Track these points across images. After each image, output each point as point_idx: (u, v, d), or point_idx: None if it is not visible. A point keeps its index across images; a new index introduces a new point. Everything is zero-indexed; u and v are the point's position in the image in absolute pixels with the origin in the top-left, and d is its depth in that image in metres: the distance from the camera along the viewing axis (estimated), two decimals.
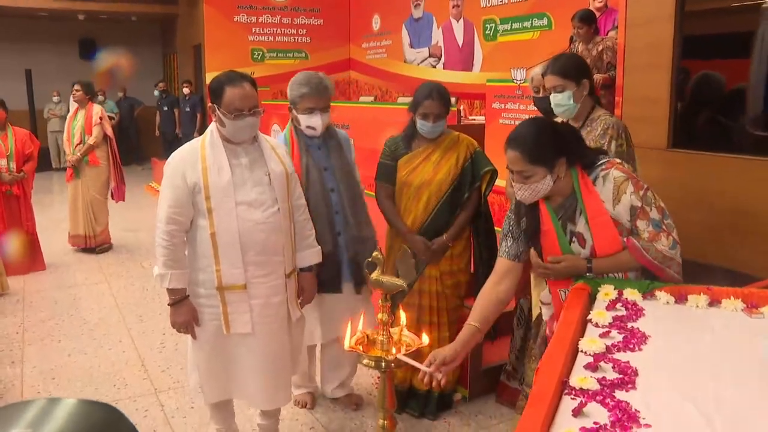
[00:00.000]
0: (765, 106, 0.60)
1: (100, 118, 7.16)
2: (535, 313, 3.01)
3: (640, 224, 2.27)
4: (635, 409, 1.39)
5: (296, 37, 13.22)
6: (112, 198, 7.48)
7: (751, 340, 1.75)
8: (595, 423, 1.35)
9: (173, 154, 2.85)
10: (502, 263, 2.51)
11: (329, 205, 3.36)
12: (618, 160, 2.38)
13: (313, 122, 3.34)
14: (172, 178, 2.78)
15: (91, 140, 7.08)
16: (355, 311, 3.47)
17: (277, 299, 2.91)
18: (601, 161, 2.36)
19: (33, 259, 6.64)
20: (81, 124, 7.15)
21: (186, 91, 13.07)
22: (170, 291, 2.81)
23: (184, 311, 2.82)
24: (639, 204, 2.27)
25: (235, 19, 12.64)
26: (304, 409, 3.70)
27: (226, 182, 2.75)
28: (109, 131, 7.30)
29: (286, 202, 2.91)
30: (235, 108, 2.71)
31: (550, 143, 2.28)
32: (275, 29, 13.02)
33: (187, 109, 13.25)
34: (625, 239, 2.29)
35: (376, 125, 5.85)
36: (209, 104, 2.82)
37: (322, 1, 13.15)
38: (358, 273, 3.43)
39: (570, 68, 3.00)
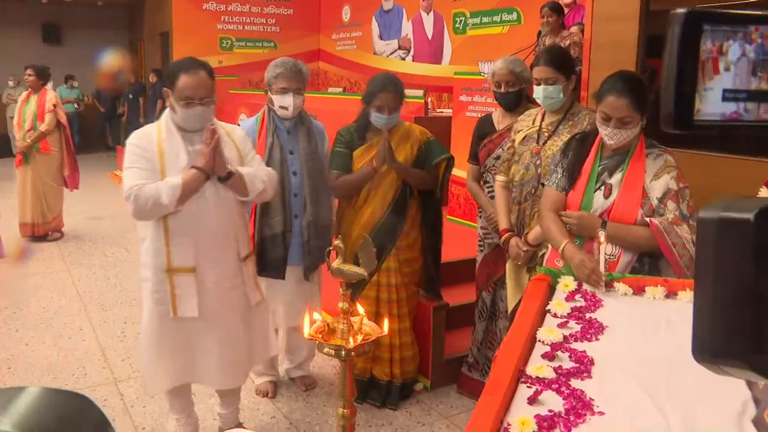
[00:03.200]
0: (675, 106, 0.62)
1: (54, 105, 6.99)
2: (510, 306, 3.03)
3: (670, 205, 2.35)
4: (590, 398, 1.41)
5: (265, 27, 13.11)
6: (66, 186, 7.32)
7: None
8: (549, 411, 1.36)
9: (130, 138, 2.79)
10: (552, 192, 2.65)
11: (287, 187, 3.41)
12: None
13: (285, 102, 3.39)
14: (133, 161, 2.73)
15: (42, 127, 6.89)
16: (302, 297, 3.52)
17: (230, 283, 2.88)
18: (657, 144, 2.47)
19: None
20: (33, 109, 6.95)
21: (152, 79, 12.88)
22: (186, 182, 2.68)
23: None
24: (675, 188, 2.36)
25: (204, 7, 12.49)
26: (265, 398, 3.69)
27: (182, 167, 2.71)
28: (63, 118, 7.13)
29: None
30: (186, 96, 2.69)
31: (645, 94, 2.42)
32: (244, 18, 12.89)
33: (150, 98, 13.03)
34: (648, 219, 2.34)
35: (344, 116, 5.83)
36: (165, 90, 2.78)
37: None
38: (309, 258, 3.47)
39: (562, 62, 3.04)
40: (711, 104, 0.66)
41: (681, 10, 0.64)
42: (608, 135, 2.42)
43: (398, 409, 3.58)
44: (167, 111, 2.81)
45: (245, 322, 2.98)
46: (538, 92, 3.03)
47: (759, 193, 1.85)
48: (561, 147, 2.76)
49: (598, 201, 2.46)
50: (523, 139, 3.16)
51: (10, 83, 14.21)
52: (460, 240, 4.65)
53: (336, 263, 2.17)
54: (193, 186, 2.69)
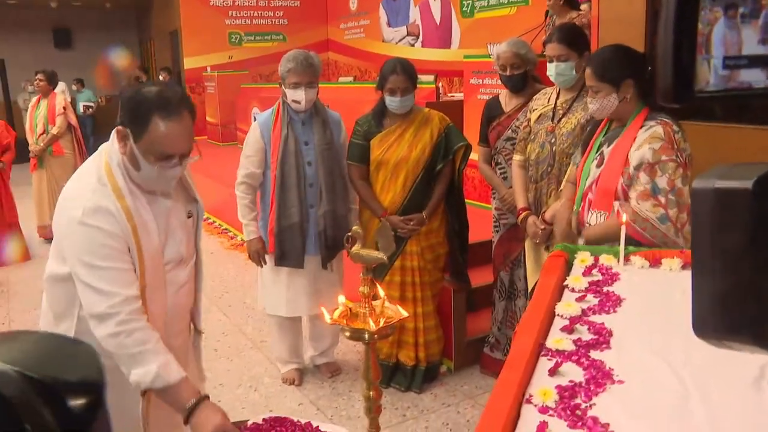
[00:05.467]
0: (674, 78, 0.60)
1: (64, 108, 7.09)
2: (531, 284, 3.08)
3: (642, 177, 2.37)
4: (609, 367, 1.44)
5: (273, 20, 13.14)
6: None
7: None
8: (570, 381, 1.39)
9: (84, 216, 1.81)
10: (572, 169, 2.83)
11: (302, 177, 3.46)
12: (676, 128, 2.42)
13: (298, 96, 3.43)
14: (105, 256, 1.82)
15: (54, 130, 7.01)
16: (323, 286, 3.58)
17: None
18: (662, 116, 2.45)
19: (16, 249, 6.61)
20: (44, 113, 7.08)
21: (163, 78, 12.94)
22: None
23: None
24: (651, 160, 2.35)
25: (212, 3, 12.54)
26: (292, 385, 3.75)
27: (156, 248, 1.95)
28: (73, 120, 7.23)
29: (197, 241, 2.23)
30: (162, 152, 1.85)
31: (618, 64, 2.47)
32: (252, 12, 12.94)
33: None
34: (616, 210, 2.37)
35: (356, 105, 5.85)
36: (119, 127, 1.88)
37: None
38: (326, 248, 3.52)
39: (574, 39, 3.07)
40: (712, 74, 0.63)
41: None
42: (588, 103, 2.59)
43: (423, 392, 3.63)
44: (111, 153, 1.91)
45: None
46: (551, 69, 3.05)
47: None
48: (582, 125, 2.90)
49: (593, 170, 2.55)
50: (539, 117, 3.19)
51: (30, 88, 14.34)
52: (475, 222, 4.67)
53: (355, 248, 2.21)
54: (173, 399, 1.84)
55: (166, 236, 1.98)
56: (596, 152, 2.57)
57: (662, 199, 2.32)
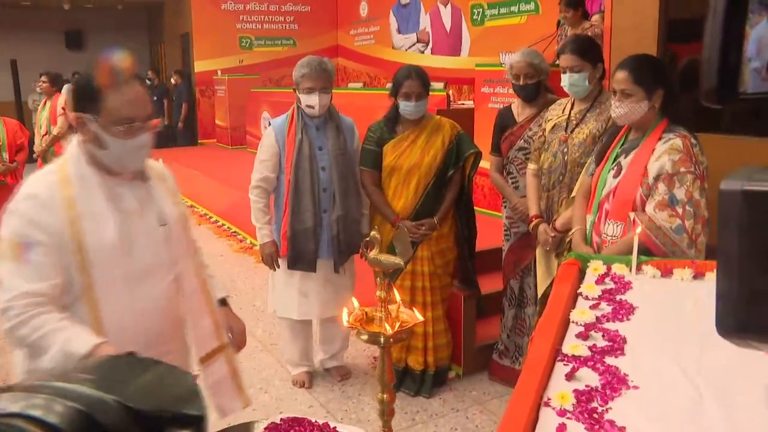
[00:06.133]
0: (719, 79, 0.61)
1: (63, 108, 7.15)
2: (541, 289, 3.12)
3: (660, 188, 2.42)
4: (624, 373, 1.48)
5: (284, 25, 13.24)
6: None
7: None
8: (587, 386, 1.43)
9: (14, 203, 1.80)
10: (584, 180, 2.87)
11: (316, 182, 3.51)
12: (694, 141, 2.49)
13: (311, 101, 3.48)
14: (23, 250, 1.76)
15: (55, 131, 7.12)
16: (335, 289, 3.62)
17: None
18: (680, 129, 2.51)
19: None
20: (47, 115, 7.19)
21: (174, 81, 13.02)
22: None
23: None
24: (670, 172, 2.41)
25: (223, 7, 12.65)
26: (302, 388, 3.79)
27: (110, 242, 1.83)
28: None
29: (187, 258, 2.09)
30: (124, 117, 1.82)
31: (653, 71, 2.54)
32: (263, 17, 13.04)
33: (173, 99, 13.18)
34: (632, 219, 2.41)
35: (365, 111, 5.90)
36: (75, 113, 1.85)
37: None
38: (338, 252, 3.57)
39: (588, 50, 3.12)
40: (752, 77, 0.63)
41: None
42: (614, 107, 2.57)
43: (432, 397, 3.66)
44: (73, 148, 1.90)
45: None
46: (564, 80, 3.10)
47: None
48: (595, 136, 2.97)
49: (609, 180, 2.59)
50: (553, 127, 3.23)
51: (38, 89, 14.39)
52: (484, 230, 4.71)
53: (373, 253, 2.25)
54: None
55: (130, 240, 1.87)
56: (612, 162, 2.61)
57: (679, 210, 2.38)
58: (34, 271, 1.75)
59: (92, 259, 1.80)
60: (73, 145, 1.91)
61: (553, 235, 3.14)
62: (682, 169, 2.40)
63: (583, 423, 1.29)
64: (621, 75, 2.54)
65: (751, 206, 0.58)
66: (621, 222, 2.52)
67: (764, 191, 0.57)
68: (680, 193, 2.39)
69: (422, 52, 10.94)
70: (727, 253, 0.60)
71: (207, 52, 12.68)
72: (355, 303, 2.29)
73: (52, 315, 1.73)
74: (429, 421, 3.45)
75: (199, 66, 12.80)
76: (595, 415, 1.31)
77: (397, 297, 2.34)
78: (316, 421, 1.97)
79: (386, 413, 2.36)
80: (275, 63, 12.89)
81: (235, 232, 7.56)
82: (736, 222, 0.59)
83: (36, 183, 1.85)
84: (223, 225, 7.91)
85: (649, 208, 2.43)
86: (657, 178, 2.43)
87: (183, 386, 0.74)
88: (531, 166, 3.35)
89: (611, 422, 1.28)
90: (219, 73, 12.26)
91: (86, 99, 1.83)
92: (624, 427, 1.26)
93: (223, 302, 2.33)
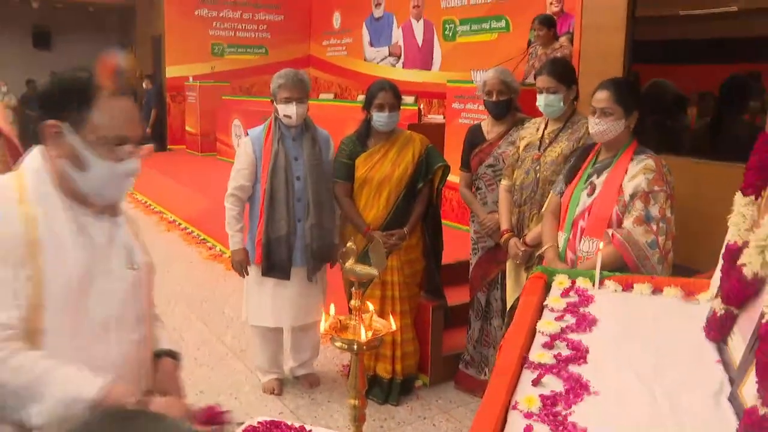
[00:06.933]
0: None
1: None
2: (510, 300, 3.24)
3: (637, 204, 2.57)
4: (586, 380, 1.59)
5: (256, 33, 13.28)
6: None
7: (687, 322, 1.96)
8: (552, 391, 1.53)
9: None
10: (553, 198, 2.99)
11: (291, 191, 3.61)
12: (663, 162, 2.68)
13: (289, 111, 3.59)
14: None
15: None
16: (307, 298, 3.70)
17: None
18: (649, 151, 2.69)
19: None
20: None
21: (145, 86, 12.95)
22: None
23: None
24: (647, 189, 2.57)
25: (196, 13, 12.65)
26: (272, 395, 3.85)
27: (73, 280, 1.50)
28: (5, 129, 7.16)
29: (148, 317, 1.75)
30: (115, 135, 1.53)
31: (631, 93, 2.72)
32: (235, 24, 13.06)
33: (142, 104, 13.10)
34: (611, 235, 2.55)
35: (336, 123, 6.00)
36: (51, 121, 1.51)
37: None
38: (312, 261, 3.66)
39: (564, 73, 3.27)
40: None
41: None
42: (592, 124, 2.71)
43: (399, 405, 3.75)
44: (35, 164, 1.56)
45: None
46: (540, 100, 3.25)
47: (735, 198, 2.01)
48: (567, 155, 3.11)
49: (583, 199, 2.73)
50: (527, 145, 3.37)
51: (3, 88, 14.24)
52: (453, 243, 4.83)
53: (349, 264, 2.34)
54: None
55: (92, 282, 1.54)
56: (585, 182, 2.75)
57: (654, 227, 2.54)
58: (7, 304, 1.41)
59: (47, 297, 1.46)
60: (34, 157, 1.57)
61: (523, 249, 3.26)
62: (656, 188, 2.57)
63: (548, 425, 1.39)
64: (603, 94, 2.69)
65: None
66: (596, 239, 2.65)
67: None
68: (654, 211, 2.56)
69: (394, 66, 11.09)
70: None
71: (178, 57, 12.67)
72: (332, 310, 2.37)
73: (32, 353, 1.42)
74: (396, 428, 3.54)
75: (171, 71, 12.78)
76: (560, 418, 1.41)
77: (370, 306, 2.43)
78: (292, 424, 2.05)
79: (357, 418, 2.44)
80: (246, 71, 12.94)
81: (204, 239, 7.57)
82: None
83: None
84: (192, 232, 7.90)
85: (627, 223, 2.58)
86: (633, 196, 2.58)
87: None
88: (504, 182, 3.47)
89: (573, 424, 1.38)
90: (191, 79, 12.25)
91: (68, 104, 1.51)
92: (585, 428, 1.37)
93: (171, 355, 1.81)
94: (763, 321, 1.31)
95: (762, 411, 1.18)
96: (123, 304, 1.62)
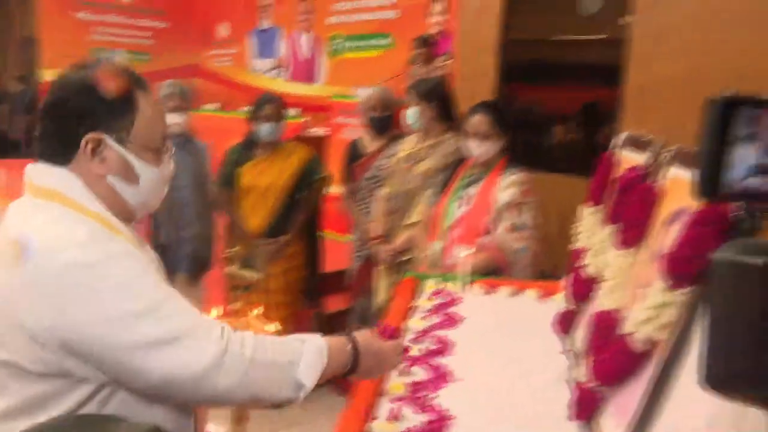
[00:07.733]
0: (702, 178, 0.68)
1: None
2: (380, 303, 3.42)
3: (508, 215, 2.79)
4: (450, 369, 1.76)
5: (139, 39, 12.95)
6: None
7: (542, 318, 2.18)
8: (419, 379, 1.70)
9: (91, 254, 1.19)
10: (425, 208, 3.18)
11: (173, 200, 3.64)
12: (530, 176, 2.93)
13: (172, 120, 3.62)
14: (136, 275, 1.27)
15: None
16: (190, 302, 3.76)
17: None
18: (518, 166, 2.92)
19: None
20: None
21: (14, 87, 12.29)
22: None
23: None
24: (518, 201, 2.80)
25: (78, 16, 12.20)
26: None
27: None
28: None
29: None
30: (160, 137, 1.40)
31: (505, 115, 2.93)
32: (117, 29, 12.69)
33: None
34: (485, 242, 2.77)
35: (220, 134, 6.02)
36: (92, 136, 1.28)
37: (168, 3, 12.99)
38: (194, 266, 3.77)
39: (424, 91, 3.47)
40: (735, 177, 0.77)
41: (719, 97, 0.75)
42: (473, 147, 2.91)
43: (276, 408, 3.81)
44: (77, 190, 1.29)
45: None
46: (407, 114, 3.50)
47: (582, 210, 2.23)
48: (436, 169, 3.31)
49: (455, 210, 2.93)
50: (404, 157, 3.58)
51: None
52: (333, 252, 4.96)
53: (232, 268, 2.43)
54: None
55: None
56: (456, 194, 2.95)
57: (525, 234, 2.78)
58: (179, 299, 1.36)
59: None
60: (70, 184, 1.29)
61: (392, 254, 3.47)
62: (527, 199, 2.83)
63: (414, 407, 1.55)
64: (481, 118, 2.90)
65: (739, 277, 0.64)
66: (470, 246, 2.84)
67: (750, 265, 0.63)
68: (524, 219, 2.80)
69: (279, 78, 11.14)
70: (717, 317, 0.65)
71: (55, 60, 12.15)
72: (214, 312, 2.45)
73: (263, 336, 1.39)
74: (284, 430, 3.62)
75: (48, 74, 12.24)
76: (425, 401, 1.58)
77: (255, 311, 2.53)
78: None
79: (241, 419, 2.52)
80: None
81: None
82: (726, 290, 0.65)
83: (80, 232, 1.22)
84: None
85: (500, 231, 2.80)
86: (505, 207, 2.81)
87: None
88: (383, 191, 3.67)
89: (438, 406, 1.55)
90: None
91: (110, 109, 1.30)
92: (448, 409, 1.53)
93: None
94: (594, 312, 1.53)
95: (588, 385, 1.38)
96: None
